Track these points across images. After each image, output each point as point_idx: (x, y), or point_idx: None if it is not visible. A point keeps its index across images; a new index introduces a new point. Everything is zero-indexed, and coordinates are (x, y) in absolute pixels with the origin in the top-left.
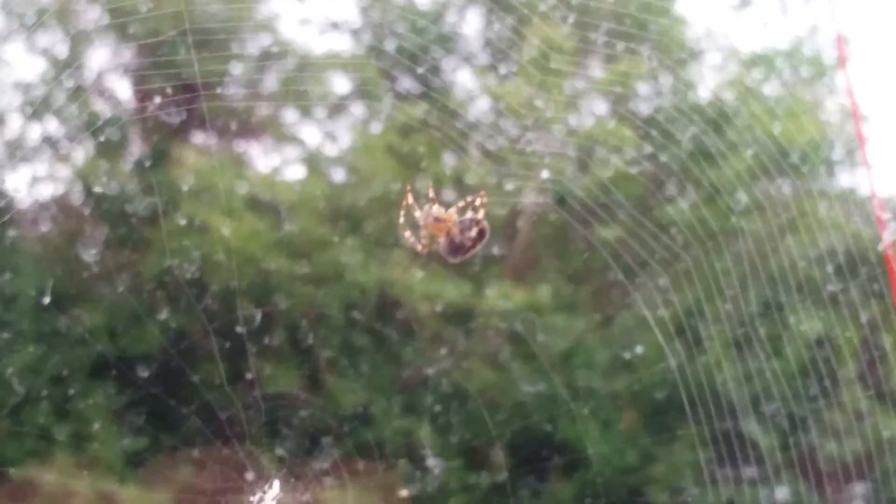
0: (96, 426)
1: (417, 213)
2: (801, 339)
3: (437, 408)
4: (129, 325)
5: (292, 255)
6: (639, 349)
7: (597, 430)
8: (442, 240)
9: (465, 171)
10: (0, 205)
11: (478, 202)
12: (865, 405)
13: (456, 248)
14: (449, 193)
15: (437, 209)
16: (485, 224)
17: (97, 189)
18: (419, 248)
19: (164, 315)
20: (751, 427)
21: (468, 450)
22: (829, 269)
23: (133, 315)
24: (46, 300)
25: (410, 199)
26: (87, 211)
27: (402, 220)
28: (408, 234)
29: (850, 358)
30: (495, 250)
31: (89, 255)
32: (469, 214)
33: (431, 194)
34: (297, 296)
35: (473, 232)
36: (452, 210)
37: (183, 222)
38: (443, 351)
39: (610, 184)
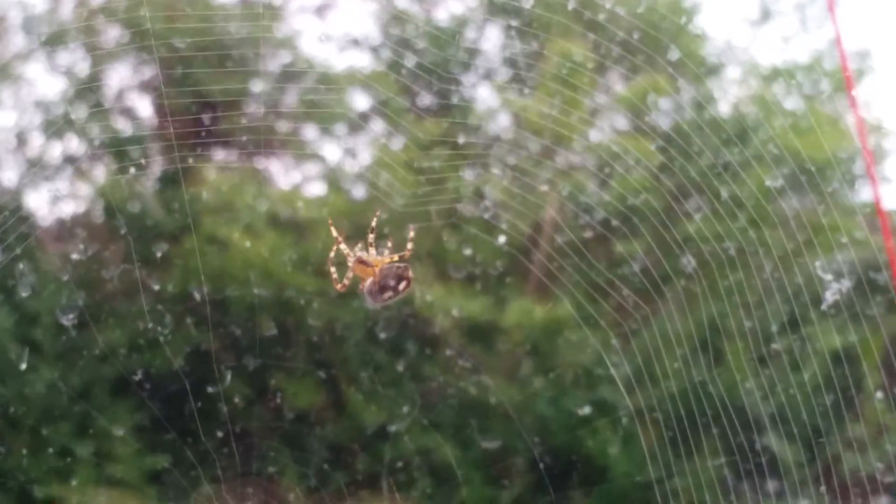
0: (117, 444)
1: (347, 252)
2: (821, 353)
3: (458, 423)
4: (151, 342)
5: (313, 272)
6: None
7: (618, 444)
8: (367, 283)
9: (484, 186)
10: (21, 223)
11: (409, 245)
12: (887, 418)
13: (377, 292)
14: (469, 208)
15: (365, 253)
16: (409, 274)
17: (118, 207)
18: (338, 286)
19: (185, 332)
20: (772, 441)
21: (489, 465)
22: (849, 282)
23: (154, 333)
24: (68, 318)
25: (340, 238)
26: (108, 229)
27: (331, 254)
28: (332, 269)
29: (870, 371)
30: (516, 266)
31: (110, 273)
32: (392, 264)
33: (370, 238)
34: (317, 312)
35: (394, 281)
36: (380, 257)
37: (204, 240)
38: (463, 366)
39: (630, 198)
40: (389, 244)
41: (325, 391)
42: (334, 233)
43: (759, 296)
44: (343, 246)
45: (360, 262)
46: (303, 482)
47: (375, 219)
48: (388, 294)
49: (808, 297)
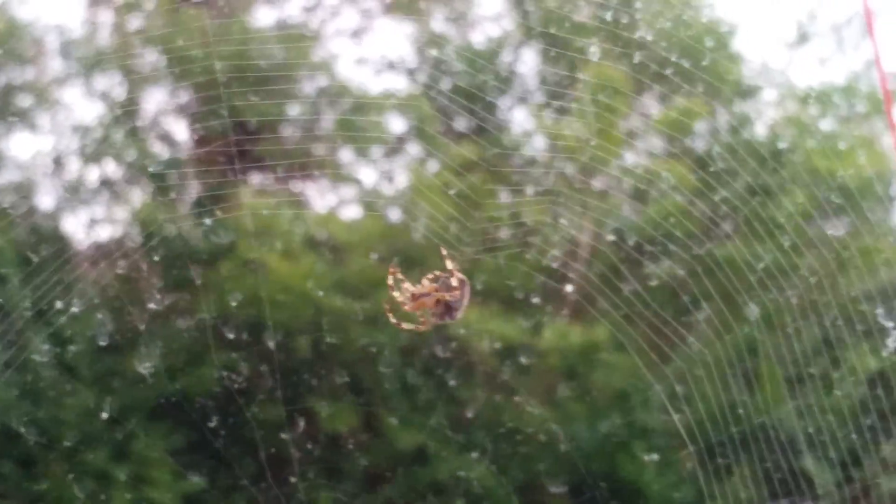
0: (154, 468)
1: (400, 299)
2: (857, 376)
3: (493, 447)
4: (187, 366)
5: (349, 294)
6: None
7: (653, 469)
8: (435, 310)
9: (520, 210)
10: (58, 247)
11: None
12: None
13: (449, 309)
14: (504, 231)
15: (412, 287)
16: (459, 275)
17: (154, 231)
18: (422, 328)
19: (221, 356)
20: (807, 463)
21: (525, 489)
22: (887, 305)
23: (191, 356)
24: (104, 342)
25: (393, 291)
26: (144, 252)
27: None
28: (405, 326)
29: None
30: (551, 289)
31: (147, 296)
32: (441, 277)
33: (399, 277)
34: (353, 335)
35: (455, 284)
36: (425, 281)
37: (239, 263)
38: (499, 389)
39: (666, 221)
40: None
41: (360, 415)
42: (390, 281)
43: (794, 318)
44: (395, 294)
45: (416, 298)
46: None
47: (392, 267)
48: (458, 307)
49: (842, 319)
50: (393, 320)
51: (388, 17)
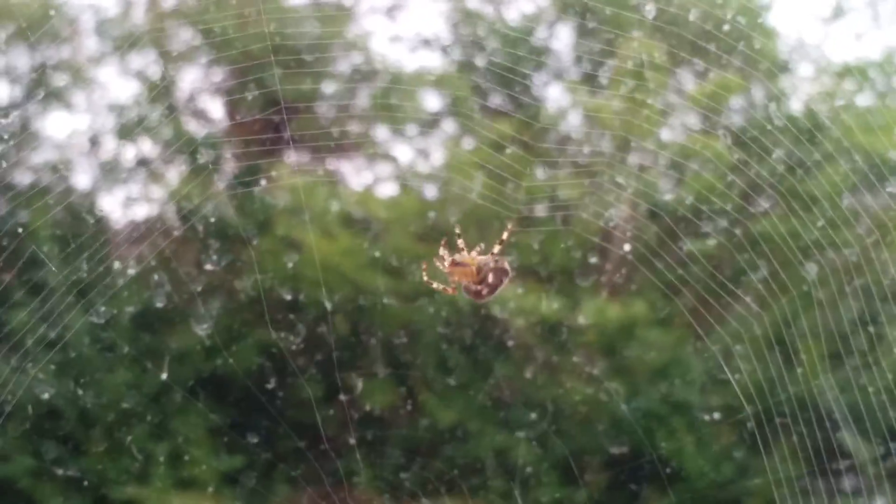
0: (194, 444)
1: (443, 258)
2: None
3: (533, 423)
4: (226, 344)
5: (386, 273)
6: (734, 362)
7: (692, 444)
8: (465, 282)
9: (557, 186)
10: (95, 226)
11: (505, 236)
12: None
13: (481, 287)
14: (541, 208)
15: (457, 255)
16: (506, 264)
17: (192, 209)
18: (449, 291)
19: (259, 334)
20: (848, 438)
21: (564, 465)
22: None
23: (229, 334)
24: (143, 319)
25: (442, 252)
26: (182, 231)
27: (424, 274)
28: (435, 285)
29: None
30: (590, 265)
31: (185, 274)
32: (490, 259)
33: (460, 244)
34: (390, 313)
35: (493, 275)
36: (474, 253)
37: (278, 241)
38: (538, 366)
39: (703, 197)
40: (482, 245)
41: (399, 392)
42: (442, 251)
43: (833, 293)
44: (441, 253)
45: (455, 264)
46: (377, 481)
47: (457, 227)
48: (488, 290)
49: (878, 295)
50: (425, 277)
51: None
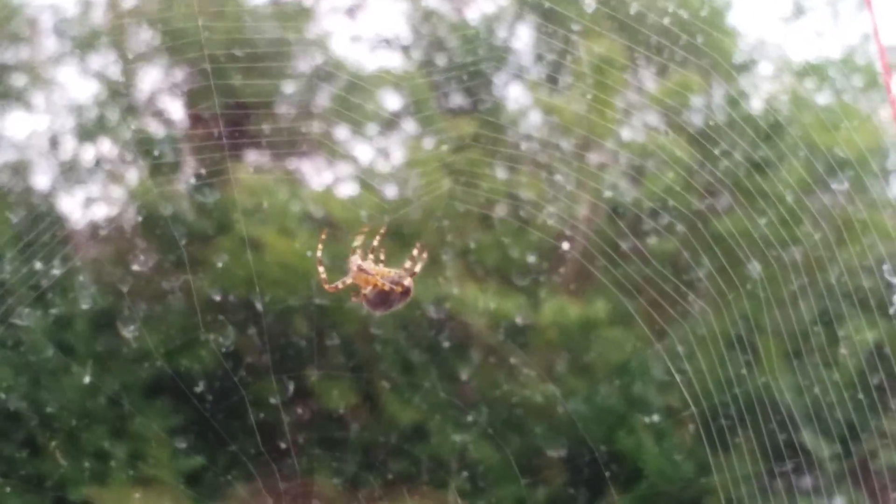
0: (152, 446)
1: (350, 262)
2: (856, 349)
3: (492, 422)
4: (184, 344)
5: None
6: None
7: (652, 443)
8: (367, 291)
9: (517, 186)
10: (54, 227)
11: (419, 259)
12: None
13: (381, 300)
14: (502, 207)
15: (366, 263)
16: (409, 282)
17: (151, 210)
18: (327, 286)
19: (218, 334)
20: (807, 437)
21: (524, 464)
22: (885, 277)
23: (187, 335)
24: (99, 320)
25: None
26: (140, 231)
27: (318, 253)
28: (321, 268)
29: None
30: (551, 264)
31: (143, 275)
32: (396, 275)
33: (375, 244)
34: (351, 312)
35: (402, 284)
36: (381, 265)
37: (236, 240)
38: (498, 365)
39: (663, 196)
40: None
41: (358, 391)
42: (356, 242)
43: (792, 292)
44: (354, 255)
45: (361, 270)
46: (337, 481)
47: (384, 229)
48: (383, 308)
49: (840, 293)
50: (322, 275)
51: None
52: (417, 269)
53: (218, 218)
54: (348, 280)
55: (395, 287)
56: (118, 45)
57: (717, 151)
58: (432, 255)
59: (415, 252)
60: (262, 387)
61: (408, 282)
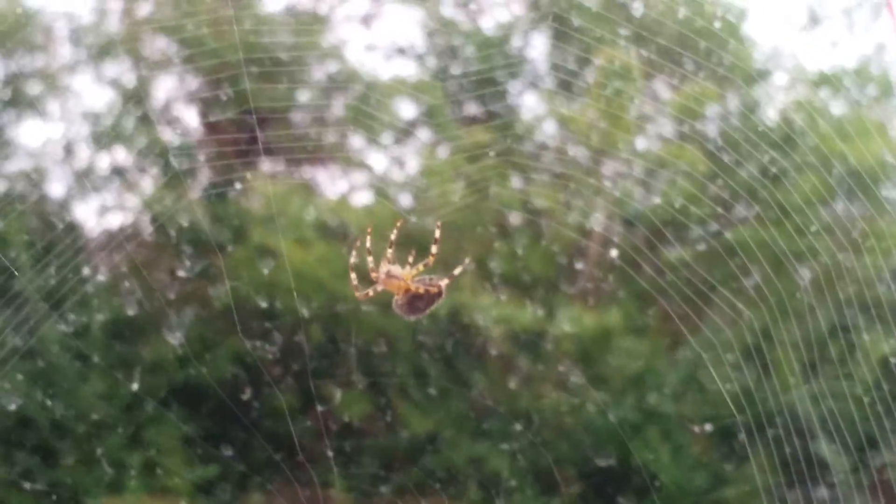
0: (167, 455)
1: (372, 264)
2: (872, 360)
3: (508, 433)
4: (199, 354)
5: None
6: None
7: (668, 454)
8: (399, 297)
9: (532, 195)
10: (69, 235)
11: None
12: None
13: (411, 305)
14: (516, 216)
15: (394, 268)
16: (443, 285)
17: (166, 218)
18: (359, 294)
19: (233, 344)
20: (822, 448)
21: (539, 475)
22: None
23: (203, 344)
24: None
25: (368, 243)
26: (156, 240)
27: (352, 259)
28: (353, 275)
29: None
30: (565, 274)
31: (159, 284)
32: (425, 277)
33: (389, 255)
34: (366, 321)
35: (433, 289)
36: (408, 267)
37: (252, 250)
38: (513, 375)
39: (678, 206)
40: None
41: (374, 401)
42: (368, 243)
43: (808, 302)
44: (370, 259)
45: (391, 276)
46: (353, 491)
47: (395, 230)
48: (418, 312)
49: (860, 303)
50: (354, 282)
51: (398, 3)
52: (456, 272)
53: (231, 226)
54: (379, 288)
55: (429, 289)
56: (134, 52)
57: (731, 161)
58: (449, 263)
59: (436, 234)
60: (276, 396)
61: (443, 283)
